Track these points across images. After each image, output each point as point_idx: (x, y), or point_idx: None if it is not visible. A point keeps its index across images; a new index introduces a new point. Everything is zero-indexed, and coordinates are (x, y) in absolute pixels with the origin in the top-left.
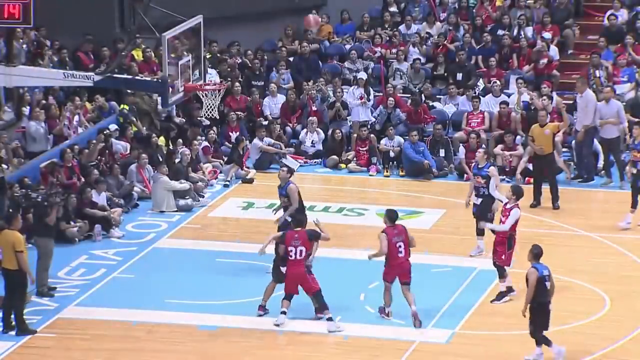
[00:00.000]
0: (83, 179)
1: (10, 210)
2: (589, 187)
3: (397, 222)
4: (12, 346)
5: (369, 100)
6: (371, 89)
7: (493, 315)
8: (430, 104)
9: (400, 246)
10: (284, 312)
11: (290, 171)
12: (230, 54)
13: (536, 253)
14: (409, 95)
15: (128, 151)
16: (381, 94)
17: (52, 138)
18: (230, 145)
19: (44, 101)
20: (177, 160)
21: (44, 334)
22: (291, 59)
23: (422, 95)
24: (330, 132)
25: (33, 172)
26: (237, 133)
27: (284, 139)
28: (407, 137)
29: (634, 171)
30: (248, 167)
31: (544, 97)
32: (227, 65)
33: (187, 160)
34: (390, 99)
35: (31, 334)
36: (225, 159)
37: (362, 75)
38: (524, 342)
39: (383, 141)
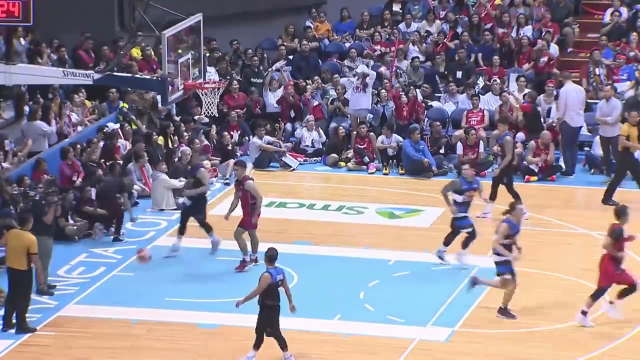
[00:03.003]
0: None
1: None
2: (589, 186)
3: None
4: (12, 344)
5: (365, 92)
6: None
7: (492, 314)
8: (429, 103)
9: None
10: None
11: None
12: (229, 52)
13: (270, 255)
14: (402, 93)
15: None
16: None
17: (51, 137)
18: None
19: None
20: (177, 159)
21: (44, 332)
22: (291, 57)
23: (416, 92)
24: (332, 128)
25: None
26: (238, 132)
27: (280, 133)
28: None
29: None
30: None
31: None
32: (226, 63)
33: (187, 159)
34: (383, 91)
35: (31, 332)
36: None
37: (362, 69)
38: (523, 340)
39: (380, 138)
